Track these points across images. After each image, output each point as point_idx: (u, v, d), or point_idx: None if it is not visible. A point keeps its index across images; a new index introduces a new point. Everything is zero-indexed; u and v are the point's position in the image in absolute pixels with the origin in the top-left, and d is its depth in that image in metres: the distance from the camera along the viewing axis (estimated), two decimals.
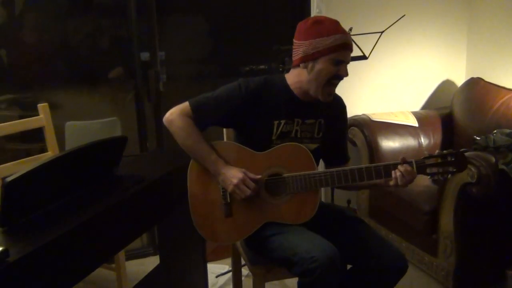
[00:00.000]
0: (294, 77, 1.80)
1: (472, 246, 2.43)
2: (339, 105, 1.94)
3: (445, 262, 2.46)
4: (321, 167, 2.01)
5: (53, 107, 2.46)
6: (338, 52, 1.70)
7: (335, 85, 1.78)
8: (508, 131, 2.45)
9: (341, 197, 3.19)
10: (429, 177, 1.69)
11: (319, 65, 1.71)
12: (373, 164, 1.72)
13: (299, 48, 1.74)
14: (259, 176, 1.75)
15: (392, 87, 3.41)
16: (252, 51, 3.53)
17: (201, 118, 1.80)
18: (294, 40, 1.77)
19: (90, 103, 3.26)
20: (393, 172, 1.67)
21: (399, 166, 1.67)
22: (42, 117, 2.29)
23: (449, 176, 1.69)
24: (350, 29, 2.71)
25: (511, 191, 2.28)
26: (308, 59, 1.72)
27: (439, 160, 1.66)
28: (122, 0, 2.98)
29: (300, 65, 1.75)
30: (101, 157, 1.72)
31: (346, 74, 1.75)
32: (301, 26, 1.76)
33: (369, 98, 3.36)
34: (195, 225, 1.82)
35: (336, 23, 1.73)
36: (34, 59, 3.06)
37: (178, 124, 1.79)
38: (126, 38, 3.08)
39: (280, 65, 2.82)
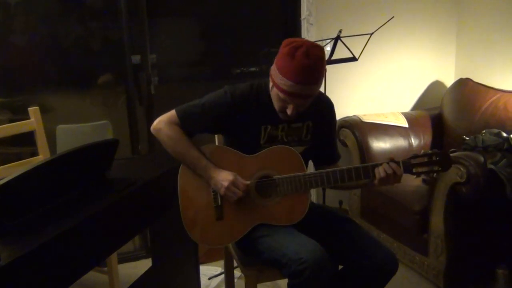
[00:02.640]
0: None
1: (463, 245, 2.45)
2: (327, 105, 1.94)
3: (436, 261, 2.48)
4: (310, 168, 2.02)
5: (44, 110, 2.45)
6: (283, 94, 1.65)
7: (288, 116, 1.72)
8: (496, 131, 2.48)
9: (332, 198, 3.21)
10: (415, 176, 1.73)
11: (273, 91, 1.71)
12: (361, 164, 1.74)
13: (274, 62, 1.73)
14: (248, 182, 1.76)
15: (382, 88, 3.43)
16: (243, 54, 3.54)
17: (188, 126, 1.80)
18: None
19: (81, 106, 3.25)
20: (380, 170, 1.69)
21: (385, 164, 1.69)
22: (33, 120, 2.28)
23: (434, 175, 1.73)
24: (340, 31, 2.74)
25: (500, 190, 2.30)
26: (271, 78, 1.72)
27: (425, 160, 1.70)
28: (113, 3, 2.98)
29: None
30: (92, 161, 1.72)
31: (291, 116, 1.70)
32: (282, 45, 1.67)
33: (359, 99, 3.38)
34: (186, 228, 1.82)
35: (302, 69, 1.59)
36: (25, 62, 3.04)
37: (166, 132, 1.79)
38: (117, 41, 3.07)
39: (270, 68, 2.83)
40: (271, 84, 1.73)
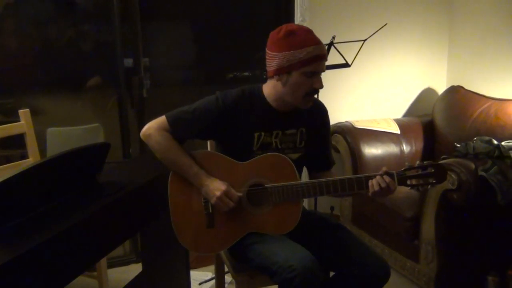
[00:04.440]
0: (271, 89, 1.79)
1: (453, 251, 2.46)
2: (321, 111, 1.93)
3: (427, 267, 2.49)
4: (304, 174, 2.02)
5: (34, 113, 2.43)
6: (312, 64, 1.68)
7: (313, 95, 1.78)
8: (487, 138, 2.49)
9: (324, 204, 3.21)
10: (409, 188, 1.69)
11: (293, 78, 1.69)
12: (355, 175, 1.71)
13: (272, 59, 1.72)
14: (241, 194, 1.74)
15: (374, 95, 3.44)
16: (236, 58, 3.54)
17: (178, 132, 1.78)
18: (267, 50, 1.74)
19: (72, 109, 3.23)
20: (374, 183, 1.66)
21: (379, 177, 1.66)
22: (23, 123, 2.26)
23: (429, 187, 1.69)
24: (333, 37, 2.75)
25: (491, 197, 2.31)
26: (282, 72, 1.70)
27: (420, 172, 1.66)
28: (105, 5, 2.97)
29: (275, 77, 1.73)
30: (83, 164, 1.70)
31: (321, 86, 1.73)
32: (273, 36, 1.72)
33: (352, 105, 3.39)
34: (176, 235, 1.80)
35: (308, 34, 1.70)
36: (15, 64, 3.02)
37: (156, 139, 1.77)
38: (109, 44, 3.05)
39: (264, 72, 2.84)
40: (284, 78, 1.70)
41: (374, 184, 1.66)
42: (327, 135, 1.98)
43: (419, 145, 3.20)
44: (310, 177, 1.97)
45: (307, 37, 1.69)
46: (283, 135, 1.82)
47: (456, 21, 3.47)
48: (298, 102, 1.76)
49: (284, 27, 1.71)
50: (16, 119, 2.27)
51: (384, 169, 1.68)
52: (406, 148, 3.16)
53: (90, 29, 3.21)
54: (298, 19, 3.17)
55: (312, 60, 1.67)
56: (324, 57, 1.72)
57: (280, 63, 1.69)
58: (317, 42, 1.70)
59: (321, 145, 1.94)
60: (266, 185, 1.75)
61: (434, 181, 1.66)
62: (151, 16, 3.26)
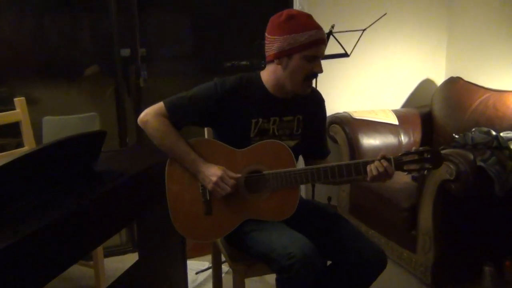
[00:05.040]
0: (270, 74, 1.79)
1: (450, 242, 2.46)
2: (317, 99, 1.93)
3: (424, 257, 2.49)
4: (300, 162, 2.01)
5: (30, 101, 2.41)
6: (312, 48, 1.69)
7: (312, 80, 1.79)
8: (485, 129, 2.49)
9: (321, 194, 3.21)
10: (406, 173, 1.71)
11: (294, 61, 1.70)
12: (352, 161, 1.72)
13: (272, 43, 1.72)
14: (238, 175, 1.74)
15: (373, 85, 3.43)
16: (234, 47, 3.52)
17: (176, 118, 1.77)
18: (267, 35, 1.75)
19: (69, 97, 3.21)
20: (372, 168, 1.68)
21: (377, 162, 1.68)
22: (19, 111, 2.24)
23: (425, 172, 1.71)
24: (332, 27, 2.73)
25: (489, 187, 2.31)
26: (282, 55, 1.71)
27: (416, 157, 1.68)
28: None
29: (275, 61, 1.74)
30: (79, 152, 1.69)
31: (321, 71, 1.74)
32: (274, 20, 1.74)
33: (350, 96, 3.38)
34: (173, 223, 1.79)
35: (309, 18, 1.72)
36: (11, 53, 3.00)
37: (154, 125, 1.76)
38: (106, 33, 3.03)
39: (262, 61, 2.82)
40: (284, 61, 1.71)
41: (372, 168, 1.67)
42: (323, 124, 1.99)
43: (417, 136, 3.20)
44: (306, 165, 1.97)
45: (308, 21, 1.70)
46: (281, 122, 1.82)
47: (455, 12, 3.46)
48: (297, 87, 1.76)
49: (285, 12, 1.73)
50: (11, 107, 2.25)
51: (381, 154, 1.70)
52: (404, 139, 3.16)
53: (87, 19, 3.18)
54: (296, 8, 3.15)
55: (313, 43, 1.68)
56: (324, 41, 1.73)
57: (281, 46, 1.70)
58: (318, 26, 1.71)
59: (317, 133, 1.94)
60: (264, 172, 1.75)
61: (430, 166, 1.68)
62: (148, 6, 3.23)
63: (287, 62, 1.71)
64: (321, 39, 1.71)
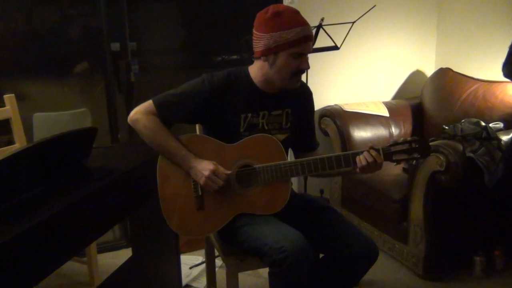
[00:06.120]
0: (257, 70, 1.79)
1: (441, 233, 2.48)
2: (305, 93, 1.94)
3: (415, 249, 2.51)
4: (290, 156, 2.02)
5: (20, 98, 2.40)
6: (298, 46, 1.68)
7: (299, 76, 1.79)
8: (475, 120, 2.50)
9: (314, 187, 3.22)
10: (395, 163, 1.73)
11: (280, 59, 1.70)
12: (342, 153, 1.74)
13: (259, 40, 1.72)
14: (229, 172, 1.75)
15: (363, 78, 3.44)
16: (224, 42, 3.51)
17: (165, 116, 1.77)
18: (254, 31, 1.74)
19: (59, 94, 3.19)
20: (361, 158, 1.70)
21: (365, 153, 1.70)
22: (9, 108, 2.23)
23: (414, 162, 1.74)
24: (322, 19, 2.73)
25: (478, 178, 2.34)
26: (269, 52, 1.70)
27: (404, 147, 1.70)
28: None
29: (261, 58, 1.74)
30: (70, 149, 1.69)
31: (308, 67, 1.75)
32: (260, 17, 1.73)
33: (341, 88, 3.38)
34: (165, 218, 1.79)
35: (296, 14, 1.70)
36: (0, 48, 2.97)
37: (144, 123, 1.76)
38: (95, 27, 3.01)
39: (252, 56, 2.83)
40: (271, 58, 1.71)
41: (361, 159, 1.69)
42: (311, 117, 1.99)
43: (408, 127, 3.22)
44: (296, 157, 1.98)
45: (294, 18, 1.69)
46: (270, 116, 1.82)
47: (445, 3, 3.47)
48: (285, 83, 1.77)
49: (271, 8, 1.71)
50: (1, 104, 2.23)
51: (370, 146, 1.72)
52: (395, 130, 3.17)
53: (76, 13, 3.16)
54: (286, 1, 3.15)
55: (299, 41, 1.68)
56: (311, 38, 1.73)
57: (267, 44, 1.69)
58: (304, 23, 1.70)
59: (306, 126, 1.95)
60: (255, 166, 1.75)
61: (418, 156, 1.71)
62: (138, 0, 3.22)
63: (274, 59, 1.72)
64: (308, 36, 1.70)
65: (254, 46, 1.76)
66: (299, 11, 1.74)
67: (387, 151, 1.71)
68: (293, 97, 1.85)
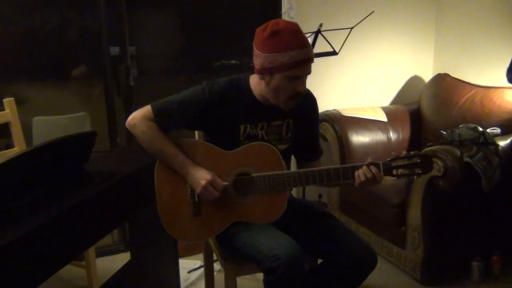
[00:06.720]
0: (256, 84, 1.76)
1: (439, 238, 2.49)
2: (309, 101, 1.89)
3: (413, 253, 2.52)
4: (293, 164, 2.02)
5: (19, 101, 2.40)
6: (294, 69, 1.62)
7: (296, 99, 1.72)
8: (472, 125, 2.51)
9: (312, 192, 3.22)
10: (395, 178, 1.66)
11: (275, 80, 1.65)
12: (341, 166, 1.70)
13: (256, 58, 1.67)
14: (226, 183, 1.73)
15: (361, 83, 3.45)
16: (223, 46, 3.52)
17: (163, 123, 1.76)
18: (253, 46, 1.69)
19: (59, 97, 3.19)
20: (360, 174, 1.65)
21: (365, 168, 1.64)
22: (8, 112, 2.23)
23: (415, 177, 1.67)
24: (321, 25, 2.74)
25: (476, 183, 2.34)
26: (264, 72, 1.66)
27: (406, 162, 1.64)
28: None
29: (258, 75, 1.71)
30: (69, 153, 1.69)
31: (304, 90, 1.69)
32: (259, 34, 1.67)
33: (339, 93, 3.39)
34: (162, 223, 1.79)
35: (294, 35, 1.62)
36: None
37: (142, 129, 1.75)
38: (95, 32, 3.02)
39: (251, 61, 2.83)
40: (267, 78, 1.67)
41: (360, 174, 1.64)
42: (316, 125, 1.96)
43: (406, 132, 3.23)
44: (298, 166, 1.97)
45: (292, 39, 1.61)
46: (269, 127, 1.80)
47: (443, 9, 3.49)
48: (280, 104, 1.72)
49: (270, 25, 1.64)
50: (0, 108, 2.24)
51: (369, 159, 1.66)
52: (393, 135, 3.18)
53: (76, 17, 3.17)
54: (285, 7, 3.16)
55: (294, 64, 1.62)
56: (309, 60, 1.66)
57: (262, 64, 1.65)
58: (302, 45, 1.63)
59: (310, 135, 1.92)
60: (252, 175, 1.74)
61: (420, 171, 1.64)
62: (137, 4, 3.22)
63: (269, 79, 1.67)
64: (304, 60, 1.63)
65: (253, 60, 1.72)
66: (298, 21, 1.69)
67: (387, 165, 1.65)
68: (296, 107, 1.79)
